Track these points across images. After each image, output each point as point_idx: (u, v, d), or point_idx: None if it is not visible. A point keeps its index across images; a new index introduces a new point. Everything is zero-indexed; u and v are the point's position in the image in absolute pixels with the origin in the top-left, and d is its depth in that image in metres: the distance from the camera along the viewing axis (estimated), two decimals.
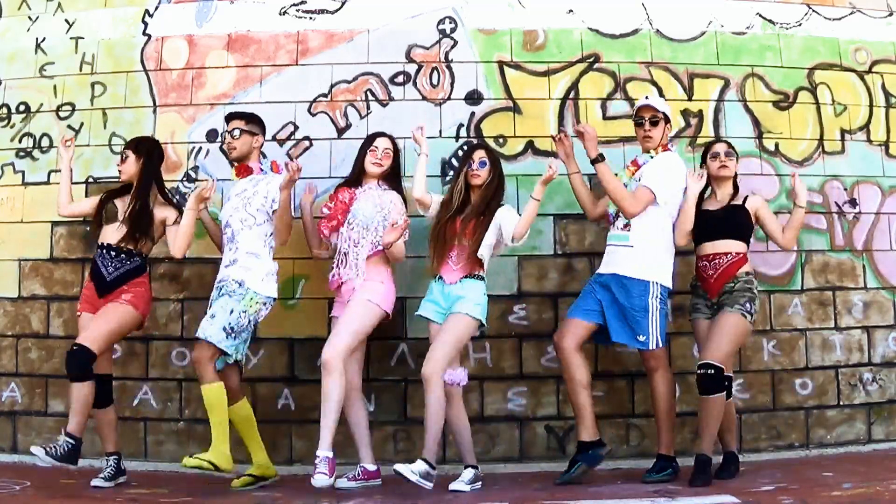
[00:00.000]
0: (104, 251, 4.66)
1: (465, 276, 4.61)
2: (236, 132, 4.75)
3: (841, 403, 5.42)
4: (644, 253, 4.67)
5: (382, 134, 4.86)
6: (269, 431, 5.19)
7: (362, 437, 4.64)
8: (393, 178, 4.84)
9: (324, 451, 4.29)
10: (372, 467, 4.62)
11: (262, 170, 4.82)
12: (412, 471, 4.26)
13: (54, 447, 4.33)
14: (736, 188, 4.85)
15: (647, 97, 5.00)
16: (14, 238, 5.46)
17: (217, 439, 4.37)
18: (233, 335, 4.43)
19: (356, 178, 4.80)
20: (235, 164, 4.83)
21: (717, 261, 4.69)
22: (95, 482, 4.50)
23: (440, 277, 4.65)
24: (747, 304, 4.63)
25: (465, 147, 5.33)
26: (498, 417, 5.27)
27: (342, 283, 4.64)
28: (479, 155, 4.76)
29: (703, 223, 4.76)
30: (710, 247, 4.73)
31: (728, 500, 4.06)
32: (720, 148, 4.87)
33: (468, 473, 4.53)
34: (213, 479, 4.49)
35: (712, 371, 4.51)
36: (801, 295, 5.48)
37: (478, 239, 4.59)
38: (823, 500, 4.00)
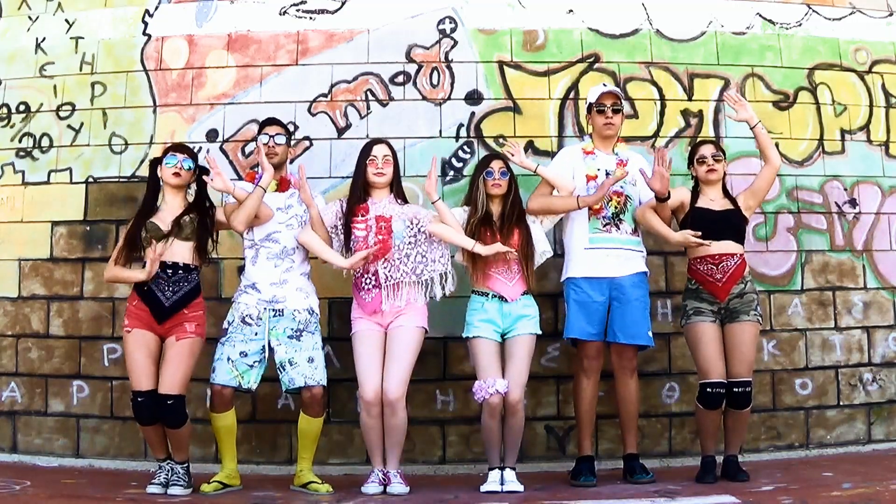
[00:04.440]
0: (157, 270, 4.36)
1: (524, 293, 4.63)
2: (280, 138, 4.71)
3: (841, 403, 5.42)
4: (644, 251, 4.83)
5: (379, 141, 4.76)
6: (269, 431, 5.22)
7: (381, 445, 4.58)
8: (397, 187, 4.73)
9: (397, 468, 4.50)
10: (387, 470, 4.58)
11: (297, 183, 4.75)
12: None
13: (182, 479, 4.39)
14: (726, 190, 4.82)
15: (604, 84, 5.00)
16: (14, 238, 5.46)
17: (229, 460, 4.55)
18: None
19: (363, 192, 4.65)
20: (263, 173, 4.65)
21: (724, 263, 4.62)
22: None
23: (495, 295, 4.59)
24: (758, 309, 4.68)
25: (467, 147, 5.36)
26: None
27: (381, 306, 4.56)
28: (499, 165, 4.71)
29: (705, 222, 4.67)
30: (716, 247, 4.63)
31: (728, 500, 4.06)
32: (707, 151, 4.80)
33: (513, 473, 4.52)
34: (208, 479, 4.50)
35: (749, 388, 4.58)
36: (801, 295, 5.48)
37: (526, 248, 4.62)
38: (823, 500, 4.00)
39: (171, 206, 4.54)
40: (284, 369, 4.48)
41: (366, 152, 4.70)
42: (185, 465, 4.48)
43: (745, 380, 4.56)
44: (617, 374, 4.74)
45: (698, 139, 5.50)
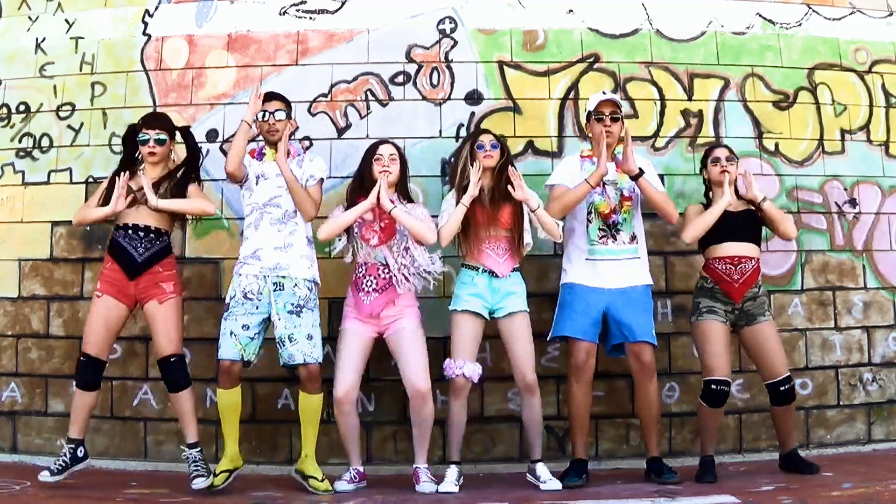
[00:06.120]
0: (129, 231, 4.52)
1: (514, 269, 4.65)
2: (279, 114, 4.69)
3: (841, 403, 5.42)
4: (646, 260, 4.80)
5: (385, 141, 4.80)
6: (269, 431, 5.22)
7: (357, 442, 4.69)
8: (402, 187, 4.77)
9: (426, 463, 4.61)
10: (362, 469, 4.70)
11: (297, 151, 4.78)
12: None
13: (199, 467, 4.41)
14: (737, 192, 4.81)
15: (604, 91, 5.00)
16: (14, 238, 5.46)
17: (231, 441, 4.55)
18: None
19: (368, 187, 4.63)
20: (268, 145, 4.71)
21: (743, 265, 4.66)
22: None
23: (485, 270, 4.60)
24: (770, 309, 4.76)
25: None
26: (498, 417, 5.27)
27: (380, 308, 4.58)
28: (489, 138, 4.73)
29: (726, 224, 4.68)
30: (735, 248, 4.67)
31: (728, 500, 4.06)
32: (721, 153, 4.82)
33: (455, 472, 4.56)
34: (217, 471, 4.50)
35: (793, 383, 4.66)
36: (801, 295, 5.48)
37: (518, 226, 4.63)
38: (823, 500, 4.00)
39: (149, 174, 4.61)
40: (284, 344, 4.51)
41: (371, 151, 4.74)
42: (199, 449, 4.50)
43: (788, 376, 4.63)
44: (637, 378, 4.64)
45: (698, 139, 5.52)
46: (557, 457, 5.17)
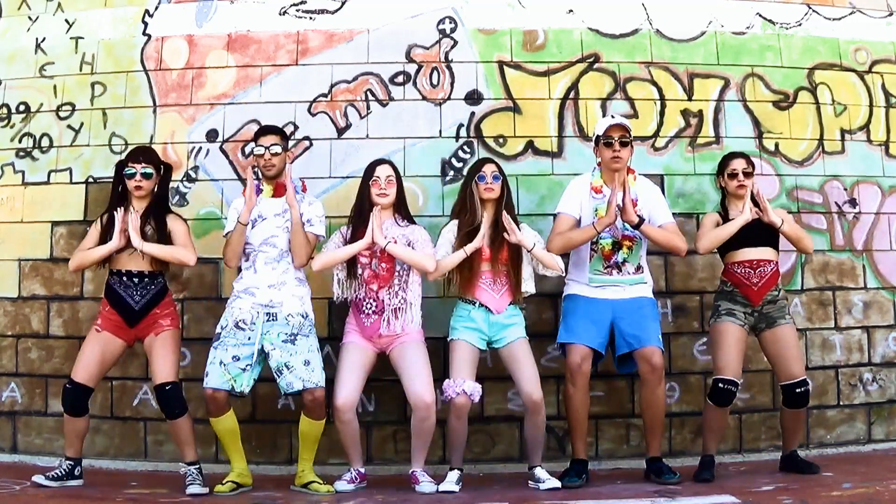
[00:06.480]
0: (124, 278, 4.52)
1: (510, 303, 4.66)
2: (276, 148, 4.65)
3: (841, 403, 5.42)
4: (651, 283, 4.82)
5: (381, 161, 4.76)
6: (269, 431, 5.22)
7: (358, 445, 4.69)
8: (401, 207, 4.73)
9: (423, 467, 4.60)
10: (363, 470, 4.70)
11: (295, 188, 4.71)
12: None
13: (197, 479, 4.42)
14: (754, 202, 4.77)
15: (612, 115, 4.98)
16: (14, 238, 5.46)
17: (238, 459, 4.58)
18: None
19: (367, 215, 4.60)
20: (266, 180, 4.70)
21: (762, 268, 4.67)
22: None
23: (482, 305, 4.61)
24: (790, 312, 4.80)
25: (467, 147, 5.36)
26: (498, 417, 5.28)
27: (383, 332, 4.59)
28: (492, 168, 4.70)
29: (741, 231, 4.67)
30: (753, 253, 4.68)
31: (728, 500, 4.06)
32: (738, 165, 4.77)
33: (456, 474, 4.57)
34: (213, 479, 4.52)
35: (808, 386, 4.66)
36: (801, 295, 5.48)
37: (516, 263, 4.62)
38: (823, 500, 4.00)
39: (137, 213, 4.57)
40: (281, 373, 4.49)
41: (368, 173, 4.70)
42: (197, 465, 4.50)
43: (804, 379, 4.63)
44: (647, 380, 4.58)
45: (698, 139, 5.52)
46: (557, 457, 5.17)
